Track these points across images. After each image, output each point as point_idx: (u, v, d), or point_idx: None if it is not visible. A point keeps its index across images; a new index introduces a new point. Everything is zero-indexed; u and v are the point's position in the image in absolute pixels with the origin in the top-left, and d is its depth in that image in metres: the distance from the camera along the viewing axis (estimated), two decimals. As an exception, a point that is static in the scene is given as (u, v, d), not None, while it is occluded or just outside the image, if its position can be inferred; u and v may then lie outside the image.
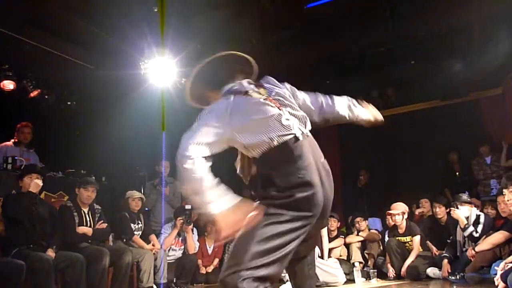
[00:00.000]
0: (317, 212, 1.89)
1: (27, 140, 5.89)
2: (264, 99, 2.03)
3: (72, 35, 5.77)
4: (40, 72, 6.52)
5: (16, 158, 5.34)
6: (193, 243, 6.00)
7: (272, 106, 2.00)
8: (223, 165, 2.25)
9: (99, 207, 5.08)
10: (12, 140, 5.87)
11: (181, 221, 5.86)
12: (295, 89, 2.29)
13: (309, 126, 2.09)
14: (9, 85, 6.18)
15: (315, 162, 1.96)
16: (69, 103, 7.11)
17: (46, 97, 6.77)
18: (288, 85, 2.26)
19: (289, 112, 2.03)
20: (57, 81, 6.85)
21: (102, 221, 4.98)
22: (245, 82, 2.15)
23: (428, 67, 6.96)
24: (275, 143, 1.91)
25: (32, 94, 6.55)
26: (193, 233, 6.10)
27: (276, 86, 2.17)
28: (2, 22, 5.22)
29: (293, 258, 1.90)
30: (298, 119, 2.05)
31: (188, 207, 6.04)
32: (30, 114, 6.33)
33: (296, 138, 1.94)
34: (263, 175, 1.96)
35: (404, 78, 7.44)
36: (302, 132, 1.99)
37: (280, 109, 2.01)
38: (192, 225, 5.97)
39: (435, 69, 6.90)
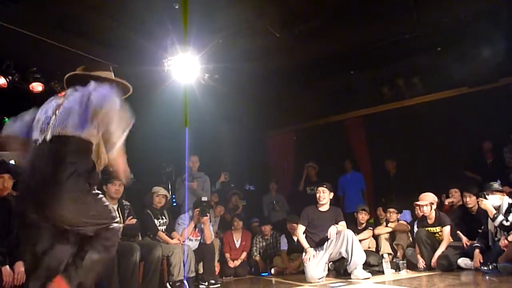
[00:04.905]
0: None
1: (56, 140, 6.01)
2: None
3: (96, 34, 5.86)
4: (67, 73, 6.63)
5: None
6: (210, 233, 6.02)
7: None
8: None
9: (128, 203, 5.15)
10: (43, 141, 5.99)
11: (197, 212, 5.94)
12: None
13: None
14: (37, 87, 6.32)
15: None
16: (95, 102, 7.23)
17: (74, 97, 6.89)
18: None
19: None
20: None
21: (131, 216, 5.05)
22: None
23: (455, 54, 6.79)
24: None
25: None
26: (210, 224, 6.14)
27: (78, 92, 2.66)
28: (29, 25, 5.34)
29: None
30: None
31: (204, 199, 6.14)
32: (59, 114, 6.44)
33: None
34: None
35: (430, 65, 7.29)
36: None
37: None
38: (208, 216, 6.00)
39: (462, 56, 6.72)
